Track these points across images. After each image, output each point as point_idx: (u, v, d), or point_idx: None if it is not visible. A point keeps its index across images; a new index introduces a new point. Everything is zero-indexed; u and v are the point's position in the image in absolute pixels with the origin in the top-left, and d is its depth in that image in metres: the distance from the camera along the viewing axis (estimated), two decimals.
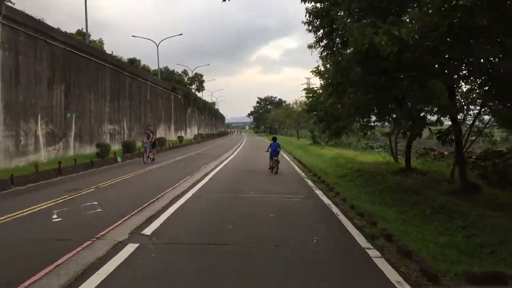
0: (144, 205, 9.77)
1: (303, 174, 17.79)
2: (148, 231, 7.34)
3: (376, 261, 5.97)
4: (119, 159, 22.86)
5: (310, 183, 14.76)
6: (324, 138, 47.12)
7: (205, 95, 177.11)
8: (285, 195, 11.62)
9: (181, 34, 52.89)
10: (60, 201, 10.47)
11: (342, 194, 11.99)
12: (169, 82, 54.25)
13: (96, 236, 6.88)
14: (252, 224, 8.07)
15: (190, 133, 64.67)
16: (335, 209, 9.87)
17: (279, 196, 11.51)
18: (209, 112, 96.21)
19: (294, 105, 66.62)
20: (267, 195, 11.63)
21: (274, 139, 19.30)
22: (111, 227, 7.50)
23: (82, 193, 11.77)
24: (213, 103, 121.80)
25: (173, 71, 67.36)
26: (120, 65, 31.98)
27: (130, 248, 6.27)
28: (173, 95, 51.81)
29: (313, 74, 17.05)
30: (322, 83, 18.61)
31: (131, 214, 8.75)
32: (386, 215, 9.64)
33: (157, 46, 53.28)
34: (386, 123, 20.82)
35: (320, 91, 19.05)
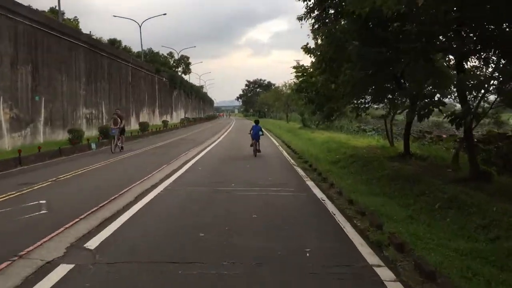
0: (103, 204, 8.14)
1: (292, 161, 16.22)
2: (94, 243, 5.70)
3: (390, 287, 4.44)
4: (93, 145, 21.09)
5: (300, 171, 13.22)
6: (314, 121, 45.58)
7: (193, 79, 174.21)
8: (271, 188, 10.04)
9: (165, 14, 50.59)
10: (3, 199, 8.78)
11: (337, 185, 10.47)
12: (153, 64, 52.11)
13: (21, 253, 5.24)
14: (229, 229, 6.47)
15: (176, 117, 62.77)
16: (330, 206, 8.33)
17: (265, 189, 9.92)
18: (197, 95, 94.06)
19: (283, 88, 64.88)
20: (251, 188, 10.04)
21: (257, 122, 18.79)
22: (46, 238, 5.86)
23: (35, 188, 10.08)
24: (201, 87, 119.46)
25: (157, 53, 65.00)
26: (96, 44, 29.91)
27: (60, 272, 4.63)
28: (157, 77, 49.73)
29: (303, 51, 15.46)
30: (313, 61, 17.01)
31: (82, 216, 7.11)
32: (390, 211, 8.14)
33: (140, 27, 51.12)
34: (381, 105, 19.37)
35: (311, 69, 17.47)
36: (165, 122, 44.81)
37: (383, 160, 14.78)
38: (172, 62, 73.13)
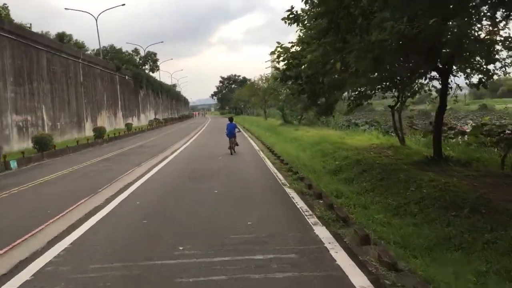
0: None
1: (281, 176, 11.42)
2: None
3: None
4: (13, 164, 15.84)
5: (297, 200, 8.40)
6: (296, 116, 40.85)
7: (165, 78, 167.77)
8: (253, 255, 5.10)
9: (123, 5, 45.10)
10: None
11: (376, 235, 5.78)
12: (112, 61, 46.57)
13: None
14: None
15: (145, 119, 57.33)
16: None
17: (241, 259, 4.99)
18: (168, 94, 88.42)
19: (260, 81, 59.92)
20: (213, 257, 5.07)
21: (231, 119, 18.26)
22: None
23: None
24: (173, 85, 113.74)
25: (120, 49, 58.94)
26: (27, 35, 24.26)
27: None
28: (117, 75, 44.20)
29: (285, 20, 10.68)
30: (300, 35, 12.21)
31: None
32: None
33: (96, 20, 45.37)
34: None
35: (298, 48, 12.68)
36: (128, 125, 39.51)
37: (408, 169, 10.25)
38: (138, 59, 67.35)
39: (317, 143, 18.65)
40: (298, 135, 24.68)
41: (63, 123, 27.99)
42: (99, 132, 29.86)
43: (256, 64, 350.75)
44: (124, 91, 47.03)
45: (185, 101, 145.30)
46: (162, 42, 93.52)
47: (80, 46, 40.50)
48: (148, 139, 29.86)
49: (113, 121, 41.02)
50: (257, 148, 19.92)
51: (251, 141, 23.72)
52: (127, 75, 48.10)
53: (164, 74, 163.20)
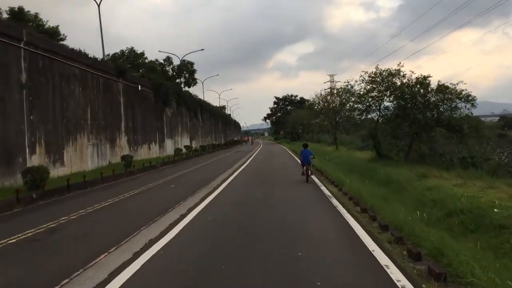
0: None
1: None
2: None
3: None
4: None
5: None
6: (403, 147, 24.28)
7: (213, 99, 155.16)
8: None
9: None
10: None
11: None
12: (115, 64, 32.56)
13: None
14: None
15: (172, 145, 42.96)
16: None
17: None
18: (213, 116, 74.43)
19: (328, 97, 43.80)
20: None
21: (305, 146, 17.43)
22: None
23: None
24: (223, 107, 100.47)
25: (141, 54, 45.23)
26: None
27: None
28: (121, 82, 29.93)
29: None
30: None
31: None
32: None
33: (98, 6, 31.91)
34: None
35: None
36: (126, 159, 24.76)
37: None
38: (171, 71, 53.65)
39: None
40: (479, 206, 8.66)
41: None
42: (35, 178, 15.26)
43: (312, 88, 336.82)
44: (135, 106, 32.74)
45: (235, 125, 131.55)
46: (202, 49, 79.94)
47: (52, 33, 26.24)
48: (122, 195, 14.71)
49: (105, 151, 26.51)
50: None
51: (347, 218, 7.58)
52: (141, 84, 33.83)
53: (212, 95, 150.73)
